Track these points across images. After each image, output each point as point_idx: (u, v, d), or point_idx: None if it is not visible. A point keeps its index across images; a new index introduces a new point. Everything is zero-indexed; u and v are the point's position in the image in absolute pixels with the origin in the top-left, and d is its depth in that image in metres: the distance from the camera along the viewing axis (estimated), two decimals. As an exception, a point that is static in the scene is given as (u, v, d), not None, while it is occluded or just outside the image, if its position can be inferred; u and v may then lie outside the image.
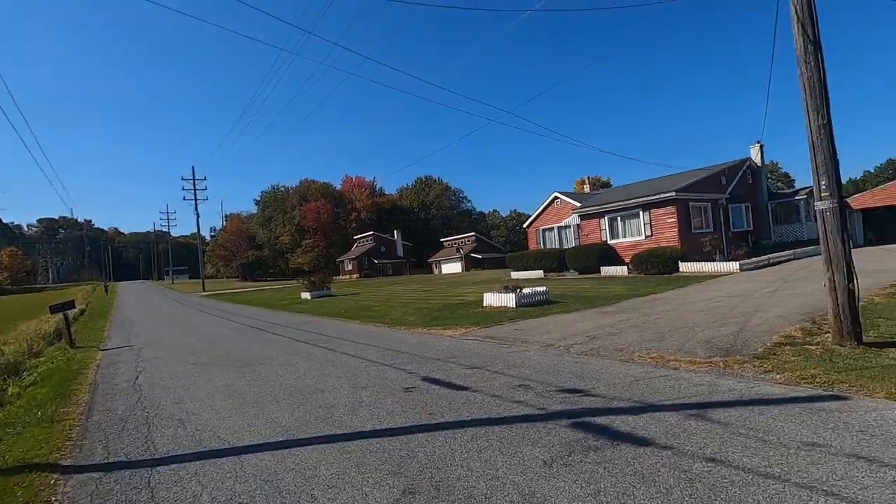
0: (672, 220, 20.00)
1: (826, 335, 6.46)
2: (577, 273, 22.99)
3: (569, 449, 3.52)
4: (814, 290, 11.03)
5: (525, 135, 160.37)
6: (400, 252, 73.05)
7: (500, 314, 11.87)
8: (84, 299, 38.81)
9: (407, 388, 5.62)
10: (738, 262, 17.15)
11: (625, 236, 22.24)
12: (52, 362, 11.42)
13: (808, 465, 2.98)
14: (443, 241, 72.65)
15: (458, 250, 64.13)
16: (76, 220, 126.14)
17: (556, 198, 27.39)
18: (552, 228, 27.42)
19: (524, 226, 30.21)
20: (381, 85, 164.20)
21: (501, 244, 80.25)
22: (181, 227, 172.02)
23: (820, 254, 6.30)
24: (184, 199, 49.40)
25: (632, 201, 21.47)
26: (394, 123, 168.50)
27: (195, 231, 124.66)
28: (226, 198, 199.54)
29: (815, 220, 18.64)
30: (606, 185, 53.59)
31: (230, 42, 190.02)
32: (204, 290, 46.67)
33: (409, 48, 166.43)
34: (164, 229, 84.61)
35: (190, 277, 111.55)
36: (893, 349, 5.63)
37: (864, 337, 5.94)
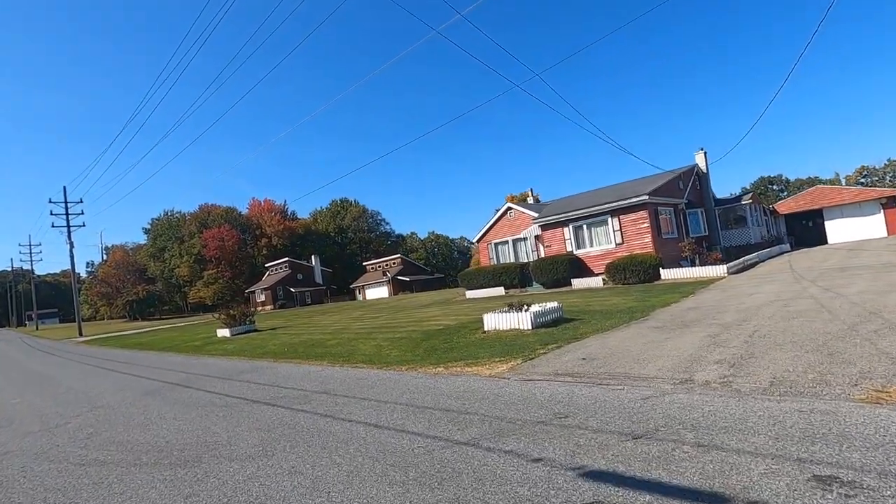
0: (645, 225, 18.90)
1: None
2: (543, 288, 21.09)
3: None
4: (868, 288, 9.83)
5: (450, 152, 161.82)
6: (319, 279, 67.75)
7: (519, 339, 9.22)
8: None
9: (591, 510, 2.73)
10: (724, 266, 16.25)
11: (592, 245, 20.83)
12: None
13: None
14: (366, 265, 68.58)
15: (384, 274, 60.56)
16: None
17: (510, 209, 25.64)
18: (506, 242, 25.51)
19: (475, 240, 28.08)
20: (287, 102, 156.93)
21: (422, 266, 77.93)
22: (48, 264, 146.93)
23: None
24: (52, 225, 40.83)
25: (599, 207, 20.17)
26: (302, 142, 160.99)
27: (66, 268, 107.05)
28: (106, 229, 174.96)
29: (760, 224, 18.36)
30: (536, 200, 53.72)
31: (96, 58, 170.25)
32: (81, 336, 38.41)
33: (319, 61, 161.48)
34: (25, 266, 70.81)
35: (61, 321, 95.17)
36: None
37: None
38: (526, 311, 10.51)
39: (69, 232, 40.62)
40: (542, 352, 7.77)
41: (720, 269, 16.22)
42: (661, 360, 6.09)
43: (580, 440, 3.79)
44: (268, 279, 67.35)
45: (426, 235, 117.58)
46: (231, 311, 21.60)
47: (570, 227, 21.35)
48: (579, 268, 20.49)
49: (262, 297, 62.92)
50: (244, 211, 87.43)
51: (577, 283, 19.79)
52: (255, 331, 21.22)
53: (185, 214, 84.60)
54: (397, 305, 28.33)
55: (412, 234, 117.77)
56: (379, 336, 13.16)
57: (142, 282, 73.84)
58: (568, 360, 6.87)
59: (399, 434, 4.54)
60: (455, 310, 18.23)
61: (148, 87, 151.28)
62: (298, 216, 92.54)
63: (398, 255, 65.05)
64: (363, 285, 63.31)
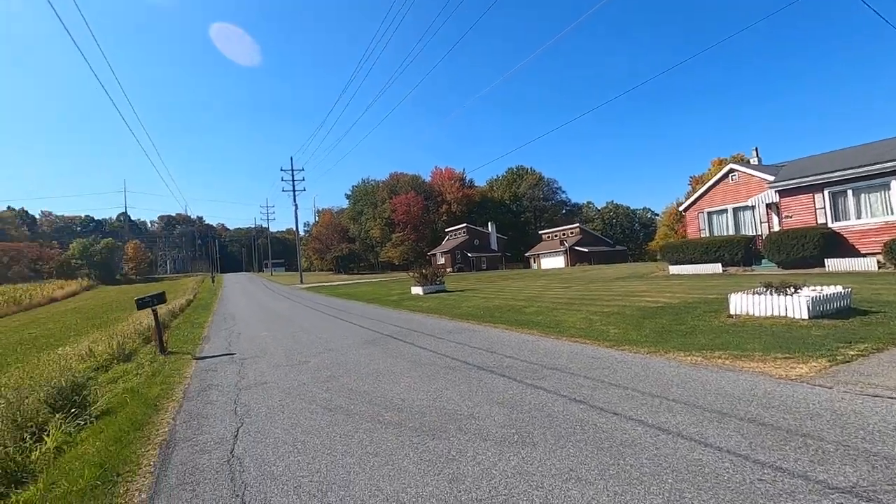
0: (959, 190, 13.55)
1: None
2: (777, 267, 17.08)
3: None
4: None
5: (634, 118, 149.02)
6: (494, 245, 68.84)
7: (792, 330, 7.00)
8: (193, 289, 39.06)
9: None
10: None
11: (860, 217, 15.91)
12: (136, 375, 8.47)
13: None
14: (541, 234, 67.27)
15: (561, 243, 58.47)
16: (189, 217, 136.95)
17: (732, 171, 21.33)
18: (724, 210, 21.42)
19: (681, 209, 24.42)
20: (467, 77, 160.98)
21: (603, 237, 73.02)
22: (278, 223, 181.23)
23: None
24: (282, 190, 48.86)
25: (877, 167, 15.13)
26: (481, 115, 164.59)
27: (290, 227, 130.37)
28: (318, 195, 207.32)
29: None
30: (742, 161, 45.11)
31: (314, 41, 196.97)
32: (302, 283, 45.69)
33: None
34: (263, 224, 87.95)
35: (286, 270, 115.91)
36: None
37: None
38: (794, 294, 8.07)
39: (294, 195, 48.21)
40: (852, 353, 5.60)
41: None
42: None
43: None
44: (447, 243, 71.04)
45: (604, 205, 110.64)
46: (423, 271, 22.64)
47: (826, 192, 16.58)
48: (836, 245, 15.89)
49: (442, 260, 66.68)
50: (427, 179, 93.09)
51: (834, 263, 15.37)
52: (445, 291, 21.91)
53: (378, 182, 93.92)
54: (584, 276, 26.53)
55: (588, 203, 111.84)
56: (584, 308, 11.91)
57: (345, 241, 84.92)
58: (923, 373, 4.68)
59: (708, 450, 3.29)
60: (663, 286, 15.85)
61: (351, 73, 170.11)
62: (476, 184, 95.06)
63: (577, 225, 61.99)
64: (538, 254, 62.28)
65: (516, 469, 3.23)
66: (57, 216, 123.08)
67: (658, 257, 24.09)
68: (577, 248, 56.63)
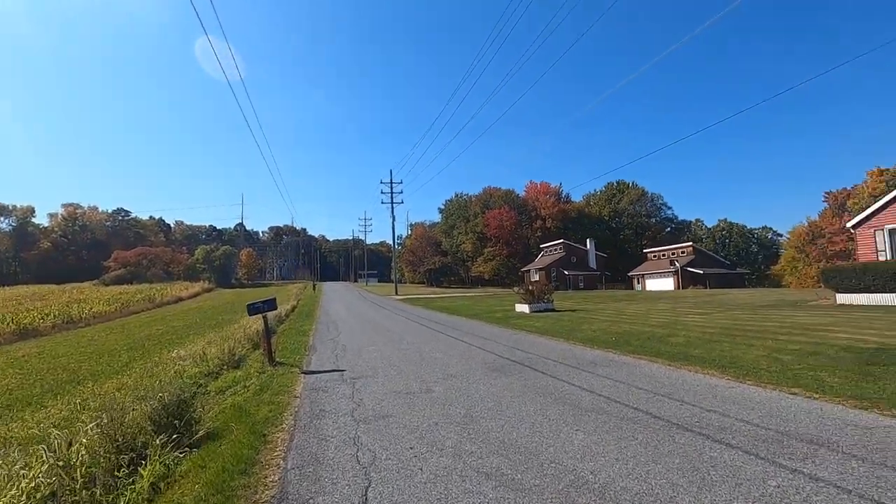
0: None
1: None
2: None
3: None
4: None
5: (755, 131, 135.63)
6: (593, 264, 64.88)
7: None
8: (296, 296, 40.68)
9: None
10: None
11: None
12: (244, 387, 7.77)
13: None
14: (647, 253, 62.05)
15: (670, 263, 53.27)
16: (295, 229, 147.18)
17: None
18: (914, 227, 17.17)
19: (849, 225, 20.07)
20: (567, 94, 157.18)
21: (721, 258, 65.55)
22: (374, 235, 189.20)
23: None
24: (381, 202, 49.93)
25: None
26: (581, 129, 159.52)
27: (383, 240, 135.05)
28: (411, 210, 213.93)
29: None
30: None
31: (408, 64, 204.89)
32: (397, 294, 45.86)
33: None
34: (360, 237, 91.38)
35: (379, 281, 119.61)
36: None
37: None
38: None
39: (392, 207, 48.87)
40: None
41: None
42: None
43: None
44: (541, 260, 68.26)
45: (715, 223, 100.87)
46: (530, 288, 20.91)
47: None
48: None
49: (536, 277, 63.89)
50: (521, 193, 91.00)
51: None
52: (554, 310, 19.94)
53: (471, 196, 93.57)
54: (713, 301, 23.02)
55: (697, 220, 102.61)
56: (756, 343, 9.47)
57: (437, 254, 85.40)
58: None
59: None
60: (846, 319, 12.64)
61: (449, 96, 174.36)
62: (572, 199, 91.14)
63: (690, 244, 56.22)
64: (643, 274, 57.39)
65: None
66: (187, 225, 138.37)
67: (821, 283, 20.03)
68: (689, 269, 51.15)
